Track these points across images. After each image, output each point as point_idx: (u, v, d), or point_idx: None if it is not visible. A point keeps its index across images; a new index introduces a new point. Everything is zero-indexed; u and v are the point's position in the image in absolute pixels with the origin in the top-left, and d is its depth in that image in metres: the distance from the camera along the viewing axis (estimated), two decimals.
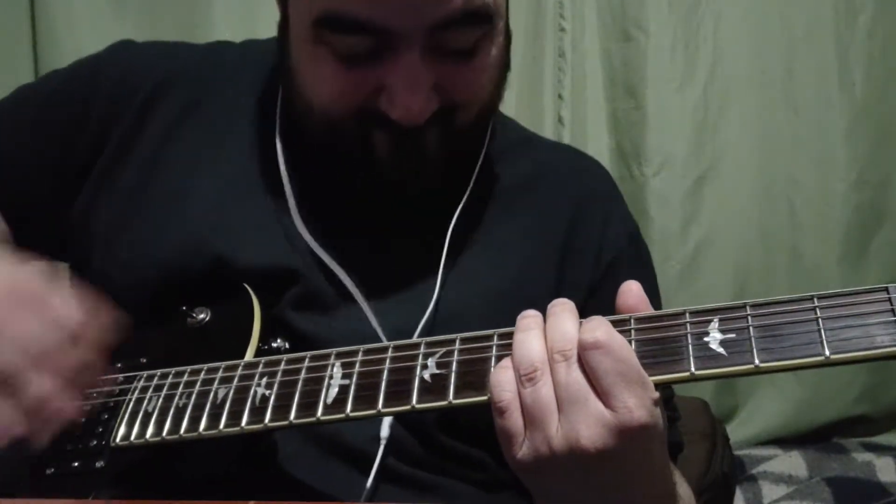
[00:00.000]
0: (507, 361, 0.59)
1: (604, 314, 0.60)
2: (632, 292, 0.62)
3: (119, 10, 1.68)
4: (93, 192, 0.85)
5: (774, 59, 1.79)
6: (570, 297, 0.76)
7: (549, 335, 0.59)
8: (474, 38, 0.74)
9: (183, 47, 0.93)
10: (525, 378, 0.57)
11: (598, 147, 1.80)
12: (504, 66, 0.81)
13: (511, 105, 1.70)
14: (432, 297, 0.78)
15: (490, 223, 0.85)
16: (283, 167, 0.82)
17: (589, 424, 0.55)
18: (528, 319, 0.60)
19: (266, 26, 1.57)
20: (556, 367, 0.57)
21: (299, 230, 0.79)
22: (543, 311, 0.73)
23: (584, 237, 0.86)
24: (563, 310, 0.60)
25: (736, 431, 1.77)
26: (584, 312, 0.79)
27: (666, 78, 1.78)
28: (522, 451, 0.57)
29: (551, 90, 1.80)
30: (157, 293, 0.79)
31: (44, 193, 0.87)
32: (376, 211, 0.82)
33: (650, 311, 0.60)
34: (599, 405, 0.55)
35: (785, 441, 1.77)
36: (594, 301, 0.83)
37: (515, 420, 0.57)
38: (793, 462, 1.66)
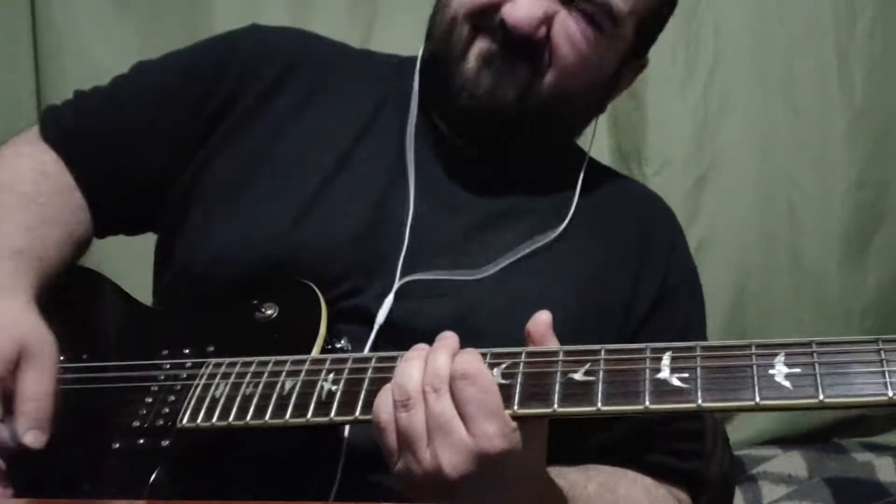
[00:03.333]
0: (389, 385, 0.65)
1: (655, 334, 0.67)
2: (540, 319, 0.67)
3: (121, 9, 1.69)
4: (212, 152, 0.89)
5: (774, 60, 1.79)
6: (639, 308, 0.86)
7: (427, 367, 0.64)
8: (598, 18, 0.82)
9: (311, 36, 1.00)
10: (400, 404, 0.63)
11: (598, 147, 1.79)
12: (601, 79, 0.90)
13: None
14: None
15: (574, 235, 0.89)
16: (410, 163, 0.87)
17: (452, 452, 0.61)
18: (413, 351, 0.67)
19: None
20: (429, 398, 0.63)
21: (406, 232, 0.83)
22: (619, 316, 0.84)
23: (655, 256, 0.91)
24: (444, 345, 0.66)
25: (736, 431, 1.77)
26: (646, 326, 0.83)
27: (666, 78, 1.78)
28: (397, 467, 0.64)
29: None
30: (247, 270, 0.82)
31: (161, 163, 0.91)
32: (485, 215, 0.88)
33: (716, 342, 0.63)
34: (463, 433, 0.61)
35: (785, 441, 1.77)
36: (657, 317, 0.88)
37: (391, 440, 0.64)
38: (793, 462, 1.66)
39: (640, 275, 0.89)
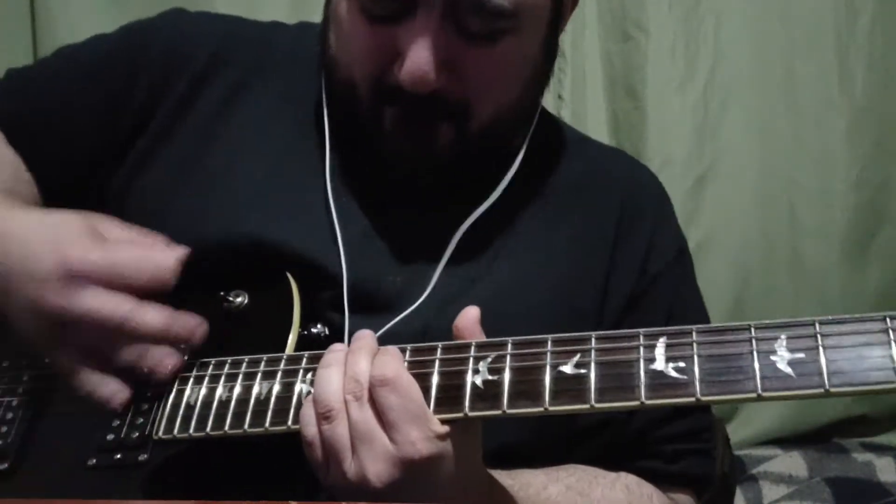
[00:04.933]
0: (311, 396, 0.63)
1: (644, 326, 0.61)
2: (469, 315, 0.65)
3: (121, 9, 1.68)
4: (138, 161, 0.85)
5: (774, 59, 1.79)
6: (613, 304, 0.80)
7: (346, 373, 0.62)
8: (495, 27, 0.74)
9: (237, 22, 0.94)
10: (322, 417, 0.61)
11: None
12: (534, 70, 0.80)
13: None
14: (420, 296, 0.78)
15: (535, 226, 0.85)
16: (328, 155, 0.82)
17: (376, 461, 0.59)
18: (331, 355, 0.64)
19: None
20: (350, 407, 0.61)
21: (336, 226, 0.79)
22: (593, 319, 0.77)
23: (632, 245, 0.86)
24: (360, 347, 0.63)
25: (736, 431, 1.77)
26: (622, 323, 0.79)
27: (666, 78, 1.78)
28: (328, 479, 0.62)
29: (551, 90, 1.80)
30: (198, 270, 0.78)
31: (86, 158, 0.87)
32: (413, 208, 0.82)
33: (713, 325, 0.59)
34: (385, 441, 0.60)
35: (785, 441, 1.77)
36: (637, 312, 0.84)
37: (318, 454, 0.62)
38: (793, 462, 1.66)
39: (613, 268, 0.84)
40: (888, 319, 0.54)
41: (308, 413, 0.63)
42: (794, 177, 1.80)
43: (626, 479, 0.82)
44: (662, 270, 0.86)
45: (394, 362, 0.62)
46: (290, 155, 0.85)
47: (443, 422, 0.61)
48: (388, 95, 0.76)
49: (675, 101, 1.78)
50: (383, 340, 0.66)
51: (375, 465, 0.60)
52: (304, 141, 0.85)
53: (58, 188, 0.88)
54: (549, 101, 1.79)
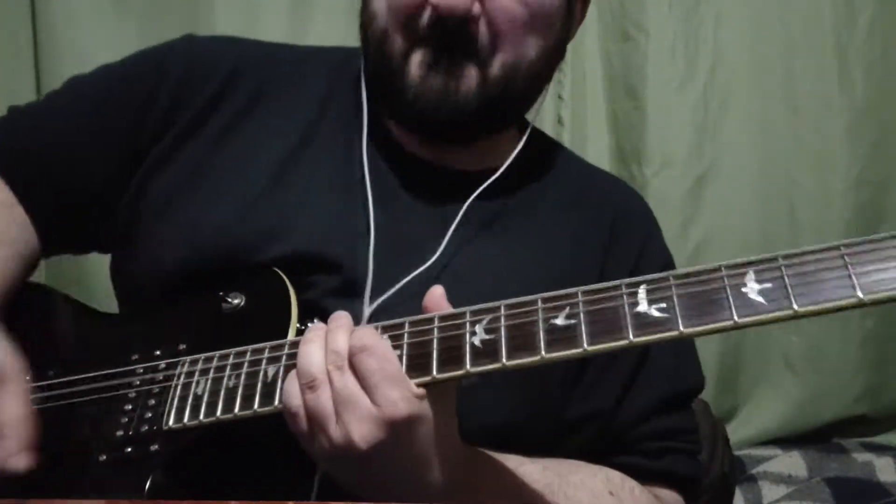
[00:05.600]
0: (294, 371, 0.66)
1: None
2: (435, 293, 0.68)
3: (121, 9, 1.68)
4: (152, 168, 0.87)
5: (774, 59, 1.79)
6: None
7: (327, 346, 0.65)
8: None
9: (246, 43, 0.97)
10: (306, 387, 0.64)
11: (598, 147, 1.80)
12: (551, 42, 0.85)
13: None
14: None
15: (535, 221, 0.89)
16: (365, 160, 0.85)
17: (360, 423, 0.62)
18: (312, 333, 0.67)
19: (267, 26, 1.57)
20: (333, 376, 0.64)
21: (370, 223, 0.82)
22: None
23: (624, 248, 0.90)
24: (338, 325, 0.67)
25: (736, 431, 1.77)
26: None
27: (666, 78, 1.78)
28: (314, 449, 0.65)
29: (551, 90, 1.80)
30: (202, 264, 0.81)
31: (96, 179, 0.89)
32: (420, 197, 0.86)
33: (687, 269, 0.63)
34: (368, 402, 0.63)
35: (785, 441, 1.77)
36: None
37: (303, 424, 0.65)
38: (793, 462, 1.66)
39: (607, 266, 0.88)
40: (842, 247, 0.58)
41: (290, 387, 0.65)
42: (794, 177, 1.80)
43: (609, 472, 0.84)
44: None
45: (371, 333, 0.65)
46: (304, 151, 0.87)
47: (439, 381, 0.64)
48: (418, 38, 0.80)
49: (675, 101, 1.78)
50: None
51: (360, 427, 0.62)
52: (316, 139, 0.88)
53: (60, 224, 0.90)
54: (549, 101, 1.80)
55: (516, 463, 0.76)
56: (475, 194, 0.85)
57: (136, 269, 0.86)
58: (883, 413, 1.84)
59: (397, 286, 0.80)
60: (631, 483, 0.84)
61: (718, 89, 1.79)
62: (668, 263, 0.94)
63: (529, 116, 0.94)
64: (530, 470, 0.77)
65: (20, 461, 0.68)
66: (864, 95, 1.78)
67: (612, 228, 0.91)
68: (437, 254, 0.82)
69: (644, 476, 0.85)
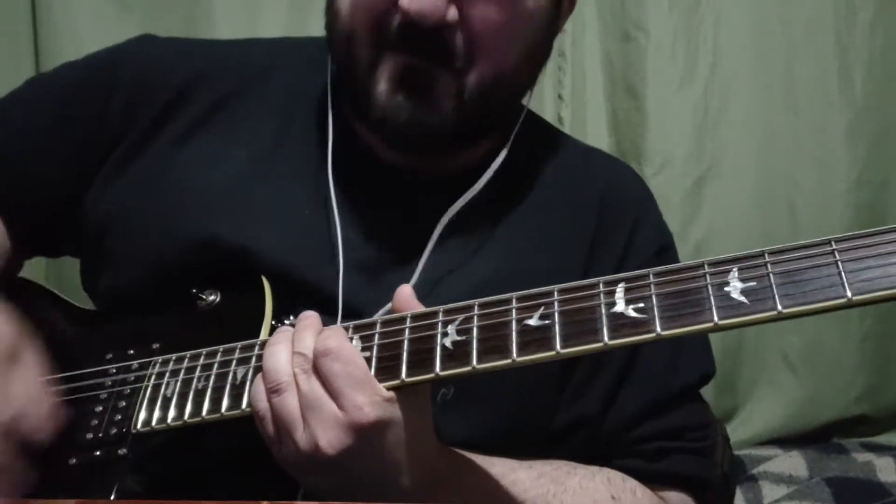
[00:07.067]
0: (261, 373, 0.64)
1: None
2: (404, 294, 0.67)
3: (121, 9, 1.68)
4: (107, 179, 0.85)
5: (774, 60, 1.79)
6: None
7: (294, 348, 0.63)
8: None
9: (208, 46, 0.93)
10: (271, 390, 0.62)
11: (598, 146, 1.79)
12: (533, 47, 0.79)
13: None
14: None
15: (516, 221, 0.85)
16: (331, 175, 0.81)
17: (326, 429, 0.60)
18: (279, 334, 0.65)
19: (267, 24, 1.56)
20: (299, 379, 0.62)
21: (338, 234, 0.79)
22: None
23: (611, 243, 0.86)
24: (306, 326, 0.65)
25: (736, 431, 1.77)
26: None
27: (666, 78, 1.77)
28: (281, 453, 0.63)
29: (551, 90, 1.80)
30: (171, 274, 0.79)
31: (60, 188, 0.87)
32: (397, 207, 0.83)
33: (669, 266, 0.60)
34: (334, 407, 0.61)
35: (785, 441, 1.77)
36: None
37: (270, 428, 0.63)
38: (793, 462, 1.66)
39: (591, 264, 0.84)
40: (833, 242, 0.55)
41: (258, 389, 0.64)
42: (794, 177, 1.80)
43: (608, 473, 0.81)
44: (640, 268, 0.86)
45: (336, 336, 0.63)
46: (271, 160, 0.84)
47: (406, 385, 0.62)
48: (388, 45, 0.74)
49: (675, 101, 1.78)
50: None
51: (326, 432, 0.61)
52: (283, 148, 0.85)
53: (32, 217, 0.89)
54: (549, 101, 1.80)
55: (507, 468, 0.74)
56: (453, 209, 0.80)
57: (101, 284, 0.84)
58: (883, 413, 1.83)
59: (374, 317, 0.77)
60: (632, 483, 0.81)
61: (718, 89, 1.78)
62: (666, 245, 0.90)
63: (525, 100, 0.87)
64: (523, 477, 0.75)
65: (44, 434, 0.65)
66: (864, 95, 1.77)
67: (600, 208, 0.86)
68: (414, 279, 0.78)
69: (648, 478, 0.83)
